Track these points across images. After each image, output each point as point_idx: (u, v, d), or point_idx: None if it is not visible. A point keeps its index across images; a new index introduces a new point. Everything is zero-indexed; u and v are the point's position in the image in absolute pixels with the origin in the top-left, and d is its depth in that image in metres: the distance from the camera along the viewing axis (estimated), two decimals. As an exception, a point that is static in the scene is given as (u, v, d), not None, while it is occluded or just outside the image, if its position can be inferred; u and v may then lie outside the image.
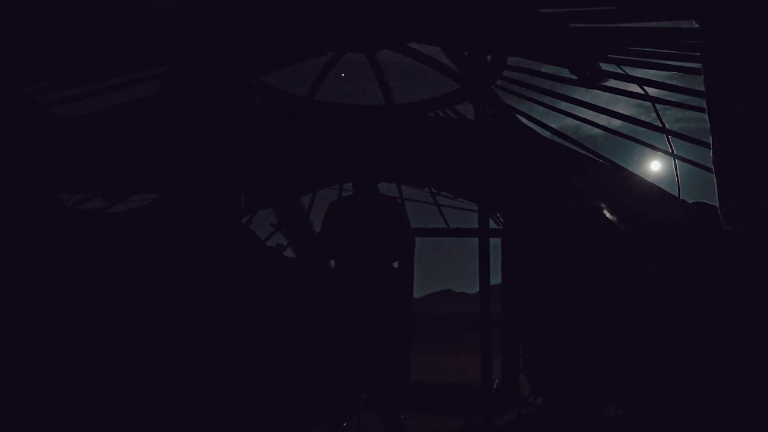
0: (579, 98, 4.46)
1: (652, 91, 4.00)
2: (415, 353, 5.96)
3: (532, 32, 3.38)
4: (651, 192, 4.78)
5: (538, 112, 5.96)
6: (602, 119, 4.57)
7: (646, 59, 3.59)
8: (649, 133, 4.44)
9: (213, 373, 2.98)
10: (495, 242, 5.67)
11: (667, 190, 4.71)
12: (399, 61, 4.62)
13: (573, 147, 4.96)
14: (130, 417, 2.69)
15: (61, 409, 2.48)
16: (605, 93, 4.09)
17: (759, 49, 1.94)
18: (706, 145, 2.91)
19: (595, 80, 3.61)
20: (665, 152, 4.45)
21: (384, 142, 4.98)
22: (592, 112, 4.45)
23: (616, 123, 4.71)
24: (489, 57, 3.83)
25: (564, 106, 4.49)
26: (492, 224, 5.90)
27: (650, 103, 4.10)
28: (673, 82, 3.85)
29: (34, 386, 2.46)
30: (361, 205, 4.02)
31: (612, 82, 3.79)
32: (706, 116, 2.13)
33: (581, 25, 3.31)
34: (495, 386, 5.14)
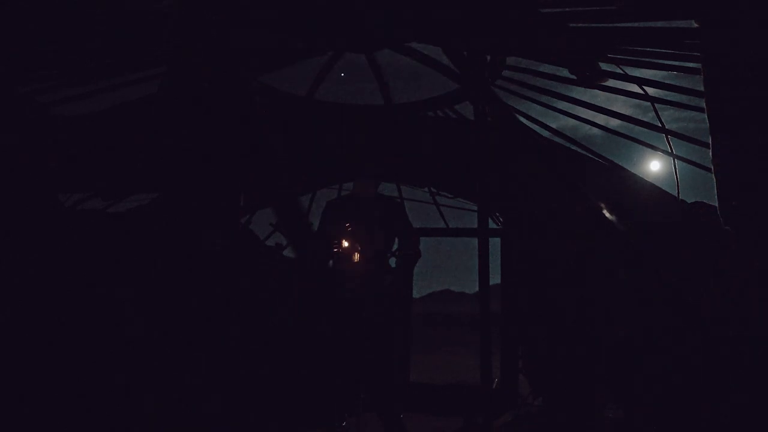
0: (578, 98, 4.47)
1: (651, 91, 4.01)
2: (415, 353, 5.96)
3: (532, 32, 3.38)
4: (651, 192, 4.78)
5: (536, 111, 5.95)
6: (601, 119, 4.57)
7: (646, 59, 3.60)
8: (648, 132, 4.45)
9: (212, 373, 2.98)
10: (495, 242, 5.68)
11: (666, 190, 4.72)
12: (399, 61, 4.62)
13: (572, 147, 4.96)
14: (127, 416, 2.69)
15: (59, 408, 2.48)
16: (603, 93, 4.09)
17: (759, 49, 1.94)
18: (705, 145, 2.92)
19: (594, 80, 3.62)
20: (664, 152, 4.45)
21: (383, 142, 4.98)
22: (591, 112, 4.45)
23: (614, 123, 4.72)
24: (489, 57, 3.84)
25: (563, 105, 4.50)
26: (492, 224, 5.90)
27: (648, 103, 4.10)
28: (673, 82, 3.86)
29: (33, 386, 2.46)
30: (361, 205, 4.02)
31: (611, 82, 3.80)
32: (706, 116, 2.13)
33: (581, 25, 3.32)
34: (494, 386, 5.14)
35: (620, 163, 4.90)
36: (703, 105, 2.15)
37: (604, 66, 3.65)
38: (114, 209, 5.03)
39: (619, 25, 3.37)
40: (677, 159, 4.41)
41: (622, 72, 3.77)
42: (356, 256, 3.88)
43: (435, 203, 6.54)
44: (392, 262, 4.13)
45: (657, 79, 3.93)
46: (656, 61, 3.59)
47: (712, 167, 2.11)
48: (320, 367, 4.11)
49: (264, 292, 4.45)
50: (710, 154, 2.11)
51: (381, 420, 3.76)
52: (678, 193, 4.48)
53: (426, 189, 6.26)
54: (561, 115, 4.68)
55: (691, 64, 3.47)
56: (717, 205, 2.09)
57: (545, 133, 4.88)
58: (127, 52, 3.67)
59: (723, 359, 2.47)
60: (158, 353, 2.79)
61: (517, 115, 4.60)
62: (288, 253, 5.56)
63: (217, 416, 2.83)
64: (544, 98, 4.52)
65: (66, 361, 2.59)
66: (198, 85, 3.27)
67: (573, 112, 4.59)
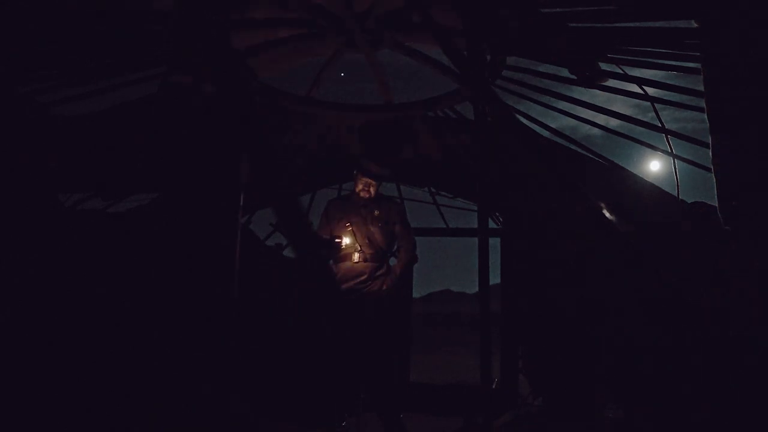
0: (577, 98, 4.47)
1: (651, 91, 4.01)
2: (415, 353, 5.96)
3: (532, 32, 3.39)
4: (651, 192, 4.78)
5: (536, 111, 5.95)
6: (601, 119, 4.58)
7: (646, 59, 3.60)
8: (648, 132, 4.45)
9: (212, 373, 2.98)
10: (495, 242, 5.68)
11: (666, 190, 4.72)
12: (399, 61, 4.62)
13: (572, 147, 4.96)
14: (127, 416, 2.69)
15: (59, 408, 2.48)
16: (603, 93, 4.09)
17: (759, 49, 1.94)
18: (705, 145, 2.92)
19: (594, 80, 3.62)
20: (664, 152, 4.45)
21: (383, 141, 4.98)
22: (591, 112, 4.45)
23: (614, 123, 4.72)
24: (489, 57, 3.84)
25: (563, 105, 4.49)
26: (492, 224, 5.90)
27: (648, 103, 4.11)
28: (673, 82, 3.86)
29: (34, 385, 2.46)
30: (361, 205, 4.02)
31: (611, 82, 3.80)
32: (706, 116, 2.13)
33: (581, 25, 3.32)
34: (494, 386, 5.14)
35: (620, 163, 4.89)
36: (703, 105, 2.15)
37: (604, 66, 3.65)
38: (114, 209, 5.03)
39: (619, 25, 3.37)
40: (677, 159, 4.41)
41: (622, 72, 3.77)
42: (356, 256, 3.89)
43: (435, 203, 6.54)
44: (392, 262, 4.14)
45: (657, 79, 3.93)
46: (656, 61, 3.59)
47: (712, 167, 2.10)
48: (320, 367, 4.11)
49: (264, 292, 4.45)
50: (710, 154, 2.11)
51: (381, 420, 3.76)
52: (678, 193, 4.48)
53: (426, 189, 6.26)
54: (561, 115, 4.68)
55: (691, 64, 3.47)
56: (717, 205, 2.09)
57: (545, 133, 4.88)
58: (127, 52, 3.67)
59: (723, 359, 2.46)
60: (158, 353, 2.78)
61: (517, 115, 4.60)
62: (288, 253, 5.57)
63: (217, 416, 2.83)
64: (544, 98, 4.52)
65: (66, 360, 2.59)
66: (198, 85, 3.27)
67: (573, 112, 4.59)
